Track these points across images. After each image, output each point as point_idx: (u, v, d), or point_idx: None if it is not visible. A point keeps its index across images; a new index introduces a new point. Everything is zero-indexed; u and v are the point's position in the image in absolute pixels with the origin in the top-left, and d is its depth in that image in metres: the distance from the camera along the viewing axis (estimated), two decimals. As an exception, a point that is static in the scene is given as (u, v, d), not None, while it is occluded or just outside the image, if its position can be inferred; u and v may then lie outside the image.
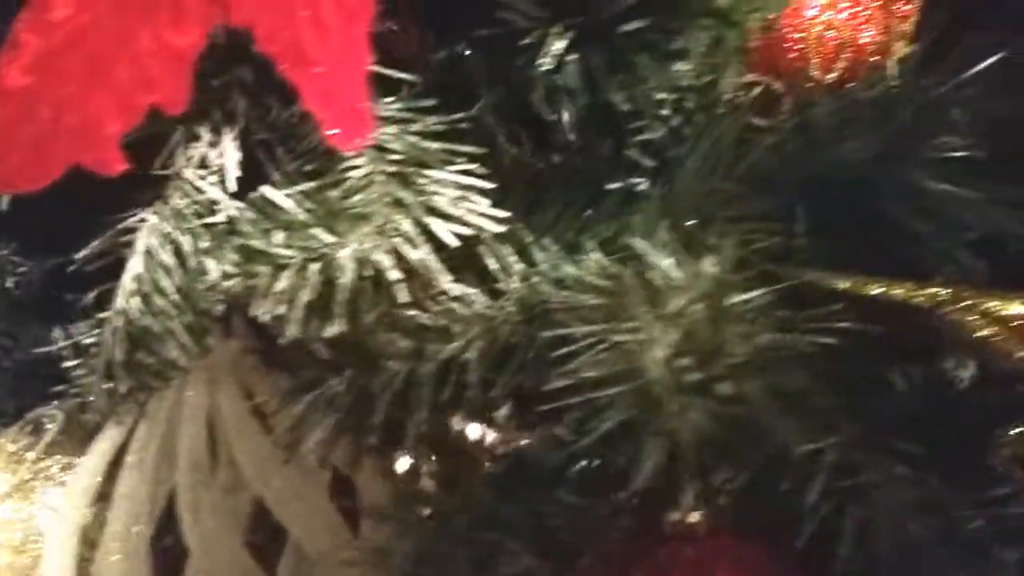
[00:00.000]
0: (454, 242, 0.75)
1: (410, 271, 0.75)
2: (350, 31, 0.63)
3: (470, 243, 0.78)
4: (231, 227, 0.72)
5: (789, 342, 0.59)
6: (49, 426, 1.02)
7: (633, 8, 0.68)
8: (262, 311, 0.67)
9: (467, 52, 0.72)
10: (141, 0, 0.66)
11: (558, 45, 0.67)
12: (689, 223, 0.79)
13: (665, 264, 0.65)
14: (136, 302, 0.82)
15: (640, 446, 0.58)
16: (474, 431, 0.92)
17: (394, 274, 0.68)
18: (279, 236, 0.69)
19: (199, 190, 0.80)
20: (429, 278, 0.76)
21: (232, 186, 0.79)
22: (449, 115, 0.76)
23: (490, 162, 0.79)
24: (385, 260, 0.67)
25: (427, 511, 0.71)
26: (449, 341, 0.78)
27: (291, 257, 0.68)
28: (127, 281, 0.82)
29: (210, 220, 0.79)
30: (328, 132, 0.64)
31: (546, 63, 0.68)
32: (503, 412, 0.83)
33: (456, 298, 0.79)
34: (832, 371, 0.72)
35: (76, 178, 0.73)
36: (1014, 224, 0.74)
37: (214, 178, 0.81)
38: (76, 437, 1.00)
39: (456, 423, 0.91)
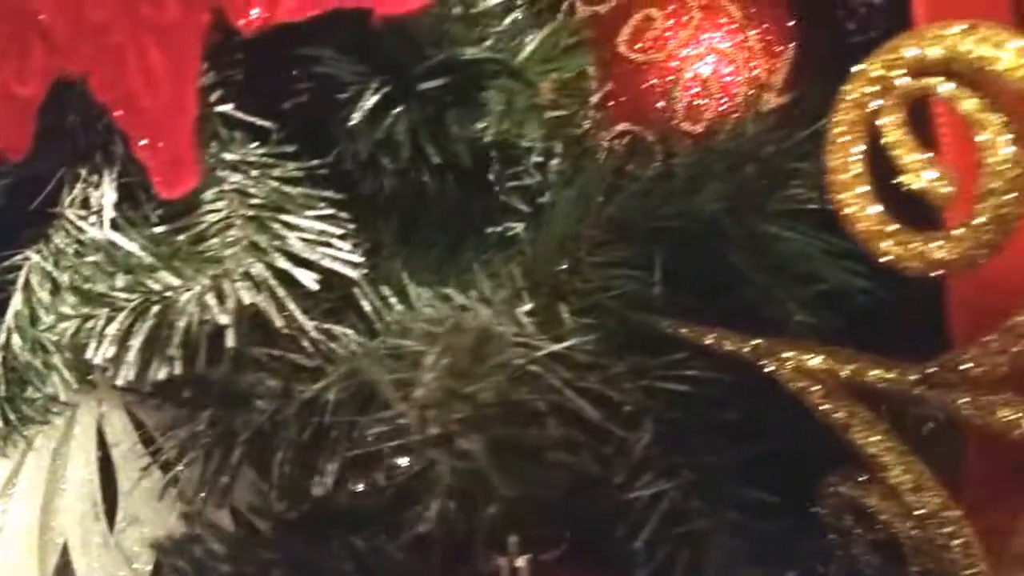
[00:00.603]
0: (313, 286, 0.76)
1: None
2: (178, 83, 0.66)
3: (348, 284, 0.80)
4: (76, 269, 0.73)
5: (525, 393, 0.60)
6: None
7: (438, 67, 0.70)
8: (96, 354, 0.69)
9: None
10: (-12, 51, 0.68)
11: (372, 99, 0.69)
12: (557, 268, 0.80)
13: (432, 315, 0.66)
14: (17, 339, 0.84)
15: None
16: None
17: (223, 318, 0.69)
18: (121, 279, 0.71)
19: (80, 229, 0.83)
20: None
21: (107, 226, 0.82)
22: (311, 160, 0.78)
23: (364, 203, 0.81)
24: (214, 304, 0.69)
25: (226, 548, 0.72)
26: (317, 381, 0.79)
27: (129, 300, 0.70)
28: (8, 318, 0.84)
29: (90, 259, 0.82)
30: (154, 179, 0.66)
31: (356, 117, 0.70)
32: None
33: (334, 338, 0.80)
34: (670, 417, 0.74)
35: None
36: (858, 277, 0.75)
37: (94, 218, 0.83)
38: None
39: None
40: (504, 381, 0.60)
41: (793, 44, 0.86)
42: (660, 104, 0.85)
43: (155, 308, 0.70)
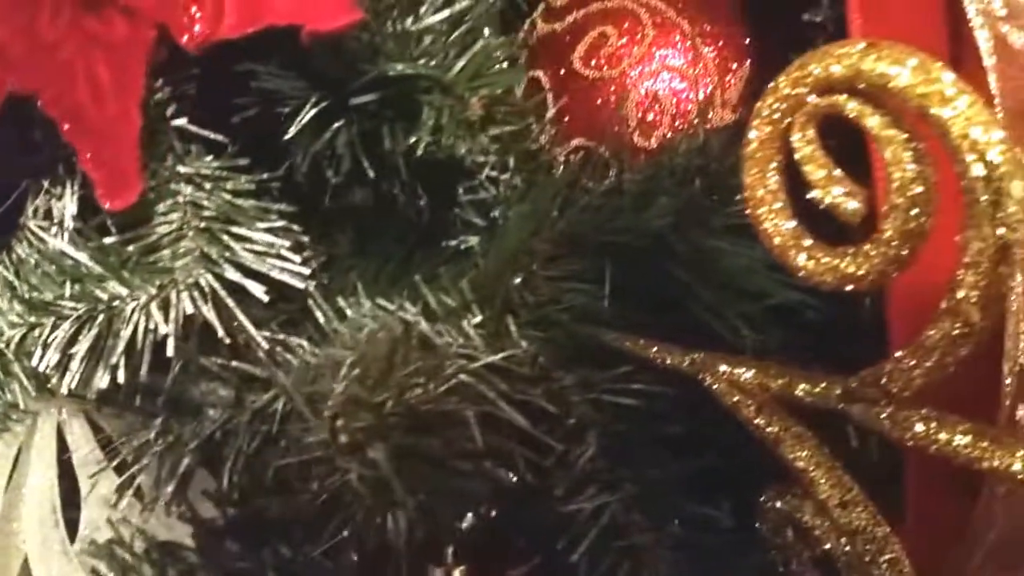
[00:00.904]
0: (263, 297, 0.77)
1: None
2: (123, 97, 0.67)
3: (305, 295, 0.81)
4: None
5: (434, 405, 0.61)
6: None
7: (371, 83, 0.71)
8: (42, 362, 0.70)
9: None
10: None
11: (310, 113, 0.70)
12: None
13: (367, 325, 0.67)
14: (-24, 348, 0.85)
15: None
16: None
17: (165, 328, 0.70)
18: (69, 289, 0.71)
19: (41, 240, 0.84)
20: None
21: (67, 236, 0.83)
22: (263, 173, 0.79)
23: (321, 216, 0.82)
24: (158, 314, 0.69)
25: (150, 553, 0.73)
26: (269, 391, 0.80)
27: (75, 309, 0.70)
28: (-32, 327, 0.85)
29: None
30: (98, 190, 0.67)
31: (292, 130, 0.71)
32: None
33: (289, 349, 0.81)
34: (614, 430, 0.74)
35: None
36: (803, 293, 0.75)
37: (56, 228, 0.84)
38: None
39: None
40: (431, 390, 0.61)
41: (748, 61, 0.86)
42: (614, 120, 0.85)
43: (100, 317, 0.71)
